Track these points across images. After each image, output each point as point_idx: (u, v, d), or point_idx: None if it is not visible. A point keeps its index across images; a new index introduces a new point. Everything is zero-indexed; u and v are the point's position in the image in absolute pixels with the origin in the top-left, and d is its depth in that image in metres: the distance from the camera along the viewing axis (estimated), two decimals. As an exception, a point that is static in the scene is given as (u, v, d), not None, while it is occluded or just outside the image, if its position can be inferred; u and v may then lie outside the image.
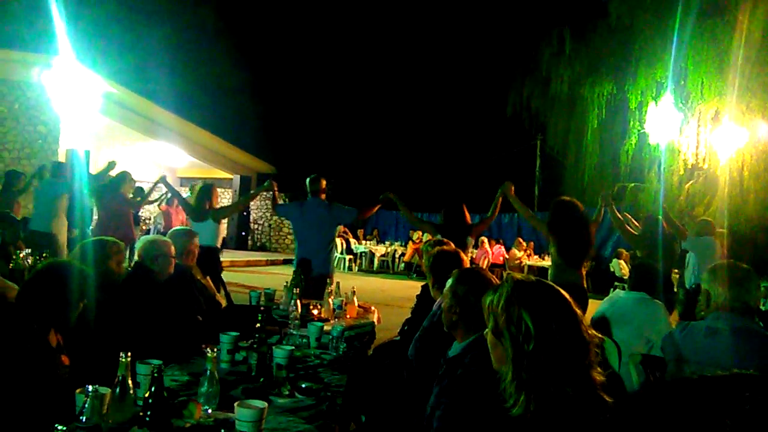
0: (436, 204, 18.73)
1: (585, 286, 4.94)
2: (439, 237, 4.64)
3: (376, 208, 6.01)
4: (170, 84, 16.60)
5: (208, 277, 4.22)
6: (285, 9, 24.59)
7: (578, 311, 1.59)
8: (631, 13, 13.32)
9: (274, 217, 18.92)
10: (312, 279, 4.63)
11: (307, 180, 5.51)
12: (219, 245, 5.77)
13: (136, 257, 3.48)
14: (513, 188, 5.36)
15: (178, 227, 4.49)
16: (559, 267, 4.83)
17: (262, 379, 2.40)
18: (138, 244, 3.50)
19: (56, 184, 7.24)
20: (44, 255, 4.82)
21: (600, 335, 1.64)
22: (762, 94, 11.41)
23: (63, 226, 7.13)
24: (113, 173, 7.10)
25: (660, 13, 12.48)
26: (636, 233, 6.19)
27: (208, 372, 2.07)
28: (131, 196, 7.71)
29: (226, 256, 13.72)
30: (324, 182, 5.49)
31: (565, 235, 4.80)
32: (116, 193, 6.87)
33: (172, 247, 3.49)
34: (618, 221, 6.00)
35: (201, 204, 5.71)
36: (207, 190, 5.82)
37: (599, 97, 14.14)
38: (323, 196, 5.47)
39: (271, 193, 5.71)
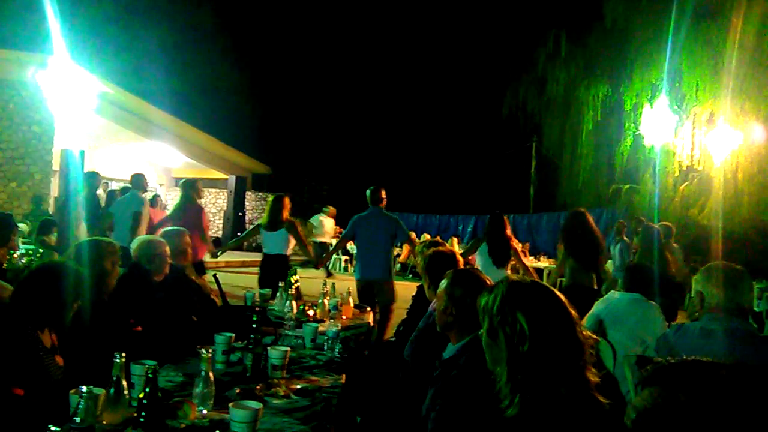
0: (431, 205, 18.80)
1: (596, 287, 5.37)
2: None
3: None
4: (166, 84, 16.57)
5: (203, 277, 4.21)
6: (281, 10, 24.58)
7: (573, 312, 1.59)
8: (626, 16, 13.37)
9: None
10: (369, 283, 4.82)
11: (368, 192, 5.79)
12: (288, 253, 5.84)
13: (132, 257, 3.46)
14: None
15: (171, 227, 4.46)
16: (575, 270, 5.29)
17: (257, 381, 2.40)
18: (133, 244, 3.48)
19: (135, 196, 7.09)
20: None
21: (594, 336, 1.64)
22: (756, 97, 11.45)
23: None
24: None
25: (655, 16, 12.53)
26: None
27: (203, 373, 2.07)
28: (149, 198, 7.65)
29: (221, 257, 13.72)
30: (383, 192, 5.78)
31: (582, 243, 5.26)
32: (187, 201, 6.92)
33: (167, 247, 3.49)
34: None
35: (277, 214, 5.78)
36: (280, 200, 5.87)
37: (594, 99, 14.18)
38: (383, 204, 5.77)
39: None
